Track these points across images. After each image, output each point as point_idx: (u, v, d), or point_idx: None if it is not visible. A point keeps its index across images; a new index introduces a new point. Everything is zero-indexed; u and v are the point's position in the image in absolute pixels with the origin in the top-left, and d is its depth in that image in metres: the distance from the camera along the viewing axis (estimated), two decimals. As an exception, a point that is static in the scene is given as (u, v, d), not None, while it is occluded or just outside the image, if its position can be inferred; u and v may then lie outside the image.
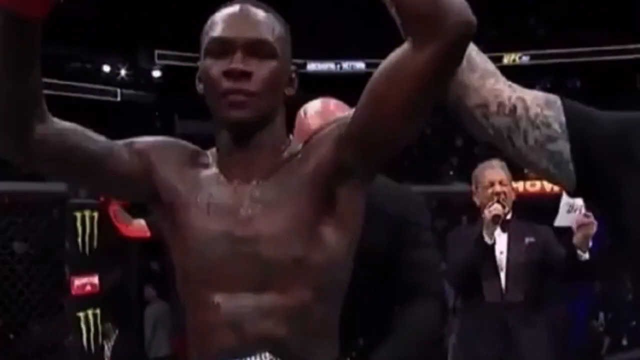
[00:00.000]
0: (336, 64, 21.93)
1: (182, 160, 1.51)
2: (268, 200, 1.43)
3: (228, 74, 1.41)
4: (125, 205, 3.74)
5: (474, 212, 3.78)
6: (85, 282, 4.22)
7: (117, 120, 15.95)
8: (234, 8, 1.46)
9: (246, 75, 1.41)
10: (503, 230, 3.61)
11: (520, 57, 20.86)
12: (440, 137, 17.61)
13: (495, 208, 3.49)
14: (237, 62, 1.41)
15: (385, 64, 1.35)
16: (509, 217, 3.63)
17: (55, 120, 1.42)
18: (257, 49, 1.43)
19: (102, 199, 3.92)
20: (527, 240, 3.63)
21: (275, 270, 1.40)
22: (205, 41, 1.46)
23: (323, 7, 19.19)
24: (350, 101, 1.71)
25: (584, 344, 8.29)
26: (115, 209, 3.73)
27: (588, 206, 3.34)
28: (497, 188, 3.59)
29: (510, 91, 1.38)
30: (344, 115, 1.47)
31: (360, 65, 21.28)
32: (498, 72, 1.41)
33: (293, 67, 1.51)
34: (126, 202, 3.52)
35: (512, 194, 3.65)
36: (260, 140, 1.46)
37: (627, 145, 1.31)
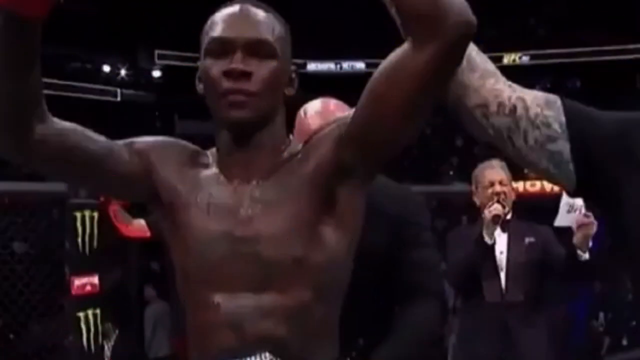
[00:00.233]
0: (336, 64, 21.93)
1: (182, 160, 1.51)
2: (268, 200, 1.43)
3: (228, 74, 1.41)
4: (125, 205, 3.73)
5: (474, 212, 3.78)
6: (85, 282, 4.22)
7: (117, 120, 15.94)
8: (234, 8, 1.46)
9: (246, 75, 1.41)
10: (503, 230, 3.61)
11: (520, 57, 20.86)
12: (440, 137, 17.61)
13: (495, 208, 3.49)
14: (237, 62, 1.41)
15: (385, 64, 1.35)
16: (509, 217, 3.63)
17: (55, 120, 1.42)
18: (257, 49, 1.43)
19: (102, 199, 3.92)
20: (527, 240, 3.62)
21: (275, 270, 1.40)
22: (205, 41, 1.46)
23: (323, 7, 19.19)
24: (350, 101, 1.71)
25: (584, 344, 8.29)
26: (115, 209, 3.73)
27: (588, 206, 3.34)
28: (497, 188, 3.59)
29: (510, 91, 1.38)
30: (344, 115, 1.47)
31: (360, 65, 21.27)
32: (498, 72, 1.41)
33: (293, 67, 1.51)
34: (126, 202, 3.52)
35: (512, 194, 3.65)
36: (260, 140, 1.46)
37: (627, 145, 1.31)
